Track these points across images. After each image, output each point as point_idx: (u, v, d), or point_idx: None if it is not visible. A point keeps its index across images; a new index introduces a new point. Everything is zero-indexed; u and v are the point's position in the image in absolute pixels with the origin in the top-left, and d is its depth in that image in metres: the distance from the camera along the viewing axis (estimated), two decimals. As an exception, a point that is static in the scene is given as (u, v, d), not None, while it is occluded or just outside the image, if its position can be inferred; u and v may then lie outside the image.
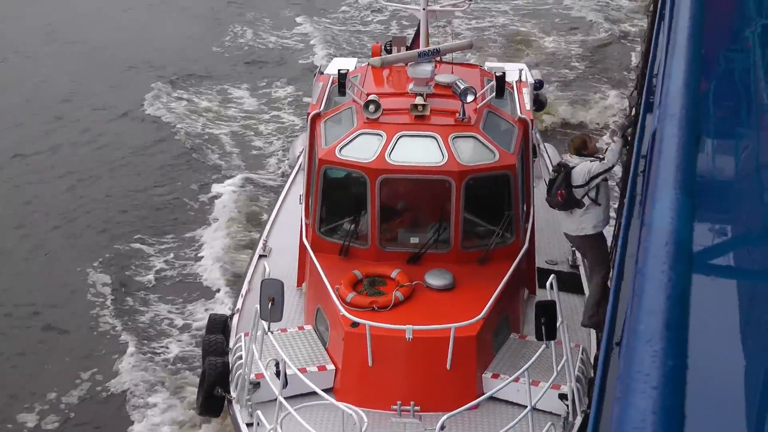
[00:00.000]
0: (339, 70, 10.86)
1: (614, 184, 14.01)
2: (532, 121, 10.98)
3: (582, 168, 12.54)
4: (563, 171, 12.64)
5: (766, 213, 4.78)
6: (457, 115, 10.43)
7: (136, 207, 16.87)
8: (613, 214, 12.84)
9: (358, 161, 10.23)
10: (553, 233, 12.51)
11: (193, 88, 21.94)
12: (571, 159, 12.86)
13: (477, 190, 10.38)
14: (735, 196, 5.16)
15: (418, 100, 10.43)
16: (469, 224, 10.43)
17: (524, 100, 11.24)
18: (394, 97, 10.88)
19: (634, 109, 13.06)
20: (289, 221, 12.44)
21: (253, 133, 19.75)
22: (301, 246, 10.96)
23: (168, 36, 25.06)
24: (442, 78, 10.80)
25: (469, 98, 10.37)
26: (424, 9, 11.98)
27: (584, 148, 12.81)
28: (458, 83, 10.57)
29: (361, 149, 10.29)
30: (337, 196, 10.82)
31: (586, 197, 12.52)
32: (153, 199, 17.15)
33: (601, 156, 12.69)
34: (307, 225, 10.86)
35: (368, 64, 11.71)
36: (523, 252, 10.51)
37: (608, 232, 12.61)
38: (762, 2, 9.77)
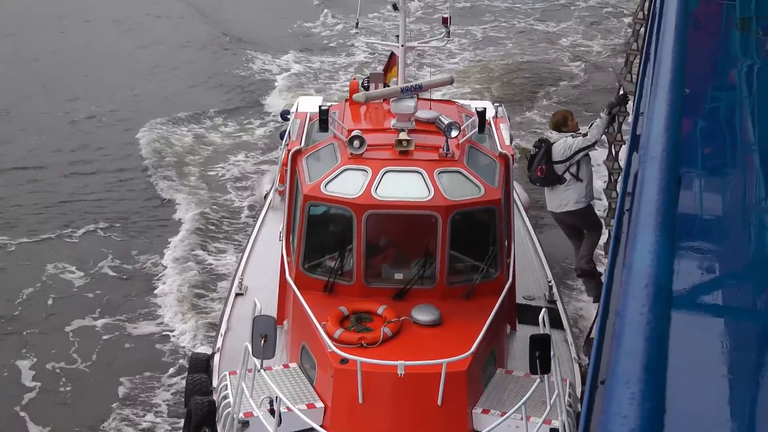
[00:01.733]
0: (320, 106, 10.92)
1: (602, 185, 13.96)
2: (512, 156, 11.06)
3: (563, 143, 12.55)
4: (543, 146, 12.65)
5: (745, 255, 4.82)
6: (441, 150, 10.48)
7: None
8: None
9: (344, 197, 10.25)
10: (528, 268, 12.58)
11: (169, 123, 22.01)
12: (551, 135, 12.87)
13: (463, 224, 10.41)
14: (716, 237, 5.21)
15: (402, 136, 10.49)
16: (454, 259, 10.45)
17: (503, 135, 11.34)
18: (376, 133, 10.94)
19: (622, 88, 13.08)
20: (264, 259, 12.49)
21: (217, 169, 19.67)
22: (282, 283, 10.93)
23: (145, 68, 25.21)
24: (423, 114, 10.91)
25: (454, 133, 10.45)
26: (402, 45, 12.09)
27: (564, 124, 12.83)
28: (441, 119, 10.68)
29: (347, 185, 10.32)
30: (322, 232, 10.82)
31: (567, 173, 12.49)
32: (116, 232, 17.13)
33: (583, 132, 12.67)
34: (289, 262, 10.85)
35: (345, 100, 11.84)
36: (507, 287, 10.53)
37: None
38: (748, 41, 9.89)
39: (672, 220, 3.23)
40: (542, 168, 12.47)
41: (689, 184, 5.51)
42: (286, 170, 11.34)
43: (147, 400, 12.77)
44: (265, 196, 15.08)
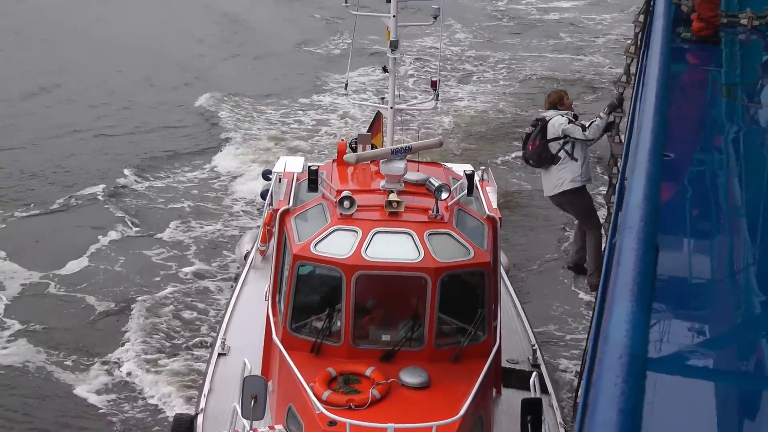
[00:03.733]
0: (309, 166, 10.98)
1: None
2: (500, 219, 11.10)
3: (557, 121, 12.42)
4: (539, 125, 12.57)
5: (722, 325, 4.84)
6: (431, 212, 10.51)
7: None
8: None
9: (334, 257, 10.24)
10: (511, 332, 12.54)
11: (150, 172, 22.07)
12: (546, 113, 12.78)
13: (451, 287, 10.38)
14: (692, 306, 5.23)
15: (392, 197, 10.53)
16: (443, 322, 10.42)
17: (490, 198, 11.40)
18: (365, 194, 10.97)
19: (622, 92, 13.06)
20: (246, 319, 12.45)
21: (197, 228, 19.66)
22: (268, 343, 10.87)
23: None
24: (413, 176, 10.96)
25: (444, 195, 10.51)
26: (391, 107, 12.20)
27: (561, 103, 12.72)
28: (431, 181, 10.72)
29: (336, 245, 10.32)
30: (310, 292, 10.79)
31: (562, 151, 12.38)
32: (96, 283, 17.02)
33: (581, 123, 12.52)
34: (275, 322, 10.82)
35: (333, 161, 11.91)
36: (494, 350, 10.50)
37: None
38: (733, 108, 10.03)
39: (649, 290, 3.26)
40: (535, 143, 12.34)
41: (671, 249, 5.54)
42: (269, 230, 11.35)
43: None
44: (246, 256, 15.07)
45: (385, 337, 10.43)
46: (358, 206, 10.45)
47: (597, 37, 34.56)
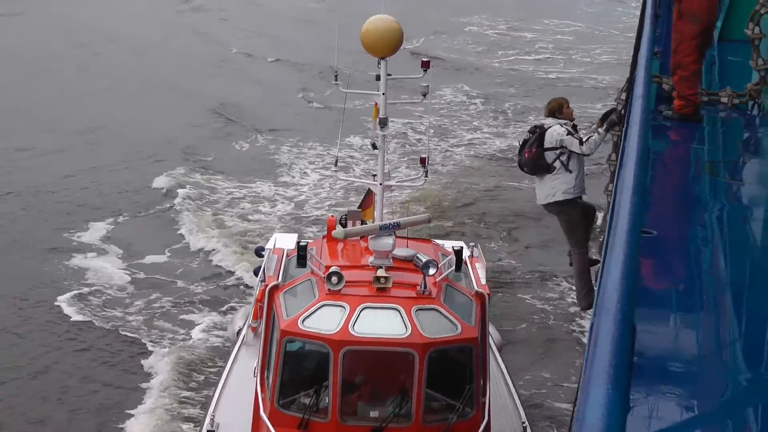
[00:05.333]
0: (298, 242, 11.07)
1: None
2: (488, 295, 11.16)
3: (556, 130, 12.31)
4: (538, 132, 12.45)
5: (702, 406, 4.87)
6: (419, 288, 10.57)
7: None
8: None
9: (322, 333, 10.27)
10: (502, 409, 12.49)
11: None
12: (545, 121, 12.67)
13: (439, 362, 10.40)
14: (671, 387, 5.27)
15: (380, 273, 10.60)
16: (430, 398, 10.40)
17: (479, 274, 11.47)
18: (353, 270, 11.04)
19: (621, 109, 13.08)
20: (237, 396, 12.39)
21: (188, 305, 19.55)
22: (256, 419, 10.82)
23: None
24: (401, 252, 11.05)
25: (431, 271, 10.57)
26: (380, 184, 12.33)
27: (560, 111, 12.61)
28: (419, 257, 10.80)
29: (324, 321, 10.35)
30: (298, 368, 10.78)
31: (557, 161, 12.27)
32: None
33: (579, 136, 12.43)
34: (263, 398, 10.79)
35: (323, 237, 11.98)
36: (483, 427, 10.47)
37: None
38: (716, 185, 10.18)
39: (625, 372, 3.31)
40: (531, 151, 12.24)
41: (651, 327, 5.60)
42: (260, 306, 11.38)
43: None
44: (238, 333, 15.05)
45: (373, 414, 10.40)
46: (346, 282, 10.50)
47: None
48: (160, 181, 25.88)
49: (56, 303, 19.23)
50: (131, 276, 20.66)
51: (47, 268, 20.85)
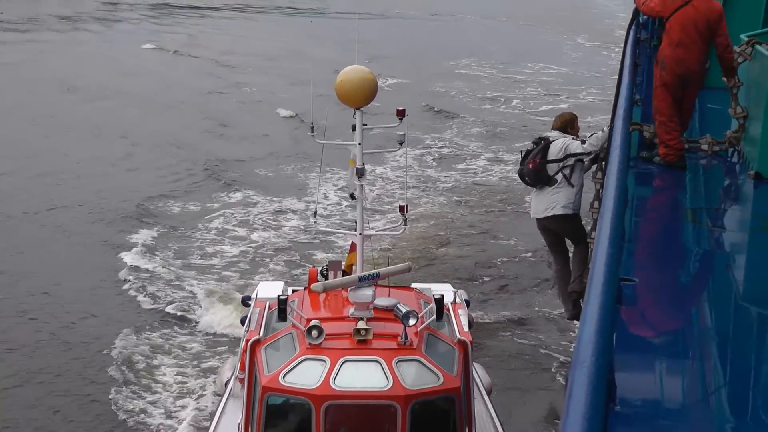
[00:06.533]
0: (279, 296, 10.97)
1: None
2: (471, 342, 11.05)
3: (561, 143, 12.08)
4: (542, 143, 12.24)
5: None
6: (399, 338, 10.47)
7: None
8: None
9: (303, 388, 10.15)
10: None
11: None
12: (551, 133, 12.48)
13: (422, 414, 10.27)
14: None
15: (360, 325, 10.50)
16: None
17: (461, 321, 11.38)
18: (334, 322, 10.93)
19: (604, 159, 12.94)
20: None
21: (173, 358, 19.37)
22: None
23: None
24: (382, 301, 10.96)
25: (411, 322, 10.49)
26: (360, 234, 12.26)
27: (571, 126, 12.42)
28: (399, 307, 10.70)
29: (305, 375, 10.23)
30: (280, 423, 10.62)
31: (559, 174, 12.05)
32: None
33: (582, 137, 12.22)
34: None
35: (304, 288, 11.88)
36: None
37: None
38: (699, 232, 10.14)
39: (600, 426, 3.22)
40: (535, 161, 12.03)
41: (631, 376, 5.52)
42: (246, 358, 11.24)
43: None
44: (226, 384, 14.87)
45: None
46: (326, 335, 10.40)
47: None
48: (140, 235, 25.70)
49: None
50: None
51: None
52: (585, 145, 12.10)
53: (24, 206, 28.11)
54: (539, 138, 12.59)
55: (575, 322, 13.52)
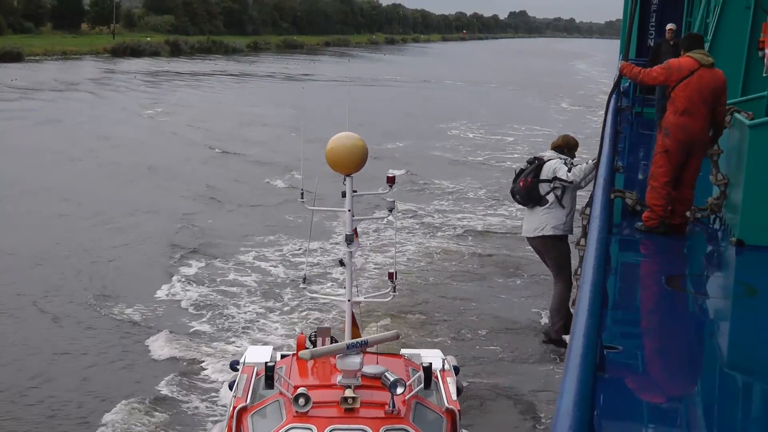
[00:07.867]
0: (266, 363, 10.98)
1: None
2: (459, 411, 11.06)
3: (554, 164, 12.03)
4: (536, 163, 12.17)
5: None
6: (387, 407, 10.48)
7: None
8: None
9: None
10: None
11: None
12: (545, 153, 12.41)
13: None
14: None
15: (348, 393, 10.51)
16: None
17: (450, 389, 11.39)
18: (322, 389, 10.94)
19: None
20: None
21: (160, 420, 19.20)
22: None
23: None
24: (370, 369, 10.98)
25: (399, 391, 10.51)
26: (349, 300, 12.33)
27: (569, 149, 12.37)
28: (387, 375, 10.74)
29: None
30: None
31: (551, 194, 11.97)
32: None
33: (570, 162, 12.15)
34: None
35: (293, 354, 11.87)
36: None
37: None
38: (684, 300, 10.24)
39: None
40: (526, 180, 12.04)
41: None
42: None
43: None
44: None
45: None
46: (314, 402, 10.41)
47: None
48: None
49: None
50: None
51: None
52: (569, 174, 12.21)
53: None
54: (534, 157, 12.70)
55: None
